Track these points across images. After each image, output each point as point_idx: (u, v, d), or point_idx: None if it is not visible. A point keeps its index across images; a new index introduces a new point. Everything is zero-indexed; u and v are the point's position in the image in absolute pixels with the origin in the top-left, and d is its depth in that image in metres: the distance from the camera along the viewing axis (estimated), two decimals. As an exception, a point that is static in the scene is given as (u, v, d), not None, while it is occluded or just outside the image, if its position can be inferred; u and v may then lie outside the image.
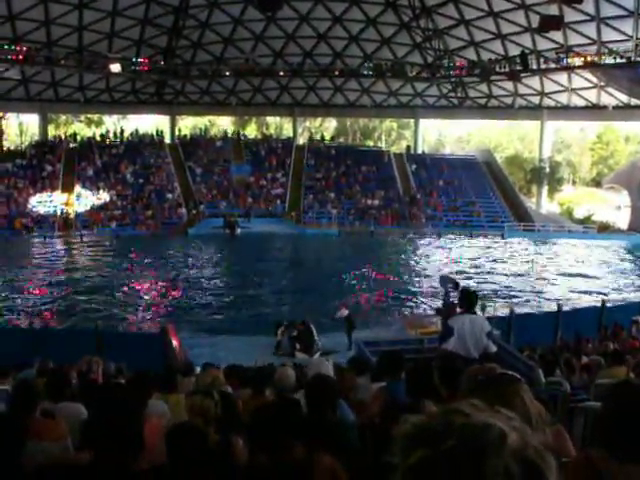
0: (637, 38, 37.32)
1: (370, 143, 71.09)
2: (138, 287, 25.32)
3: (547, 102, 48.96)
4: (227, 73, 46.77)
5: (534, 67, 41.39)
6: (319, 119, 71.56)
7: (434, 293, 22.70)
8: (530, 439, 1.03)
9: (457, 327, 6.54)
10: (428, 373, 3.84)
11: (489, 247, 38.14)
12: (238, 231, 39.67)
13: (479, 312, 15.08)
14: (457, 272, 26.98)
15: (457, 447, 0.97)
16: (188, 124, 67.69)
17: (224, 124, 72.03)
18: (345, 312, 17.59)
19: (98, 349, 11.51)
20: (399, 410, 3.79)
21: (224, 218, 41.01)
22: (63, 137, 51.50)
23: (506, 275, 28.93)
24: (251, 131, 67.22)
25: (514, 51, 42.18)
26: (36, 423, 4.11)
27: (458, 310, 7.64)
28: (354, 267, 28.88)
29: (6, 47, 38.51)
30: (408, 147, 56.95)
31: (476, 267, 30.78)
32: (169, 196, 44.80)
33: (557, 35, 39.00)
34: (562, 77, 45.12)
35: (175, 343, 14.20)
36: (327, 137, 59.26)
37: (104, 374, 8.13)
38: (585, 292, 25.06)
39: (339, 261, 32.32)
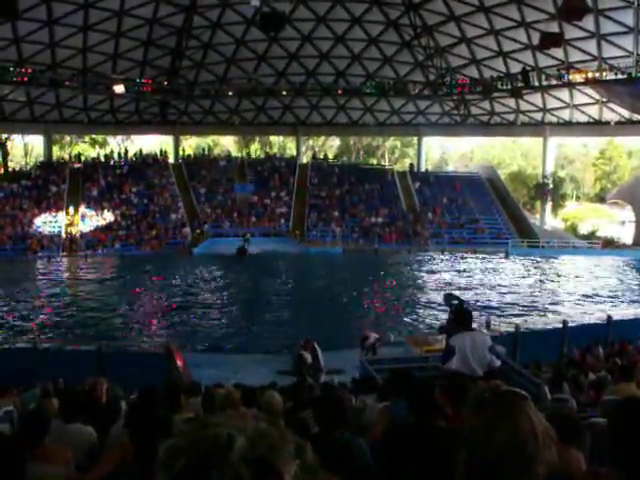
0: (637, 54, 37.47)
1: (373, 161, 71.29)
2: (142, 307, 25.34)
3: (549, 118, 49.08)
4: (230, 93, 47.01)
5: (536, 84, 41.55)
6: (322, 138, 71.91)
7: (438, 310, 22.64)
8: (262, 437, 1.09)
9: (458, 346, 6.46)
10: (430, 391, 3.81)
11: (493, 264, 38.05)
12: (248, 253, 39.17)
13: (484, 329, 15.06)
14: (461, 289, 26.99)
15: (187, 465, 1.05)
16: (192, 144, 68.15)
17: (227, 144, 72.49)
18: (375, 336, 16.92)
19: (101, 369, 11.49)
20: (403, 429, 3.76)
21: (238, 246, 39.48)
22: (68, 158, 51.84)
23: (511, 292, 28.83)
24: (254, 150, 67.52)
25: (515, 68, 42.40)
26: (46, 448, 4.14)
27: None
28: (359, 286, 28.84)
29: (11, 69, 38.84)
30: (411, 165, 57.08)
31: (480, 284, 30.70)
32: (173, 216, 44.90)
33: (558, 52, 39.20)
34: (564, 93, 45.26)
35: (179, 363, 14.16)
36: (330, 156, 59.40)
37: (108, 395, 8.08)
38: (590, 308, 24.95)
39: (344, 280, 32.27)
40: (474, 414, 1.72)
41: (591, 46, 39.46)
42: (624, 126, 46.41)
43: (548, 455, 1.60)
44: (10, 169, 51.72)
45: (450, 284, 29.90)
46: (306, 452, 1.14)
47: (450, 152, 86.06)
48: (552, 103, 47.10)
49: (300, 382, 10.42)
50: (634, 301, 27.11)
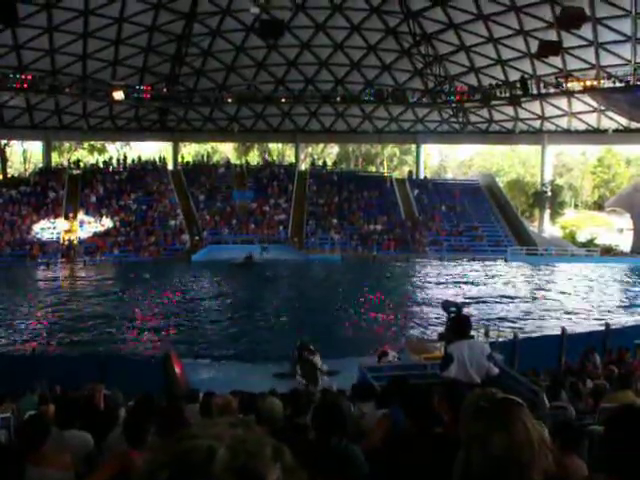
0: (635, 62, 37.62)
1: (372, 169, 71.39)
2: (141, 313, 25.29)
3: (548, 126, 49.18)
4: (229, 100, 47.08)
5: (534, 92, 41.65)
6: (321, 145, 71.98)
7: (437, 318, 22.62)
8: (240, 443, 1.10)
9: (456, 354, 6.43)
10: (427, 398, 3.81)
11: (492, 271, 38.05)
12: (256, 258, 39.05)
13: (483, 337, 15.05)
14: (460, 296, 26.98)
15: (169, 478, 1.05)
16: (191, 151, 68.25)
17: (226, 151, 72.56)
18: (394, 354, 16.54)
19: (102, 376, 11.46)
20: (402, 436, 3.77)
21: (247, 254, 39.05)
22: (66, 164, 51.87)
23: (509, 299, 28.81)
24: (253, 157, 67.60)
25: (514, 76, 42.53)
26: (45, 453, 4.15)
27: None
28: (358, 293, 28.82)
29: (11, 76, 38.89)
30: (410, 172, 57.19)
31: (479, 291, 30.70)
32: (172, 223, 44.86)
33: (556, 60, 39.33)
34: (562, 101, 45.37)
35: (178, 369, 14.14)
36: (329, 163, 59.48)
37: (107, 402, 8.07)
38: (589, 316, 24.95)
39: (343, 287, 32.24)
40: (471, 422, 1.73)
41: (589, 54, 39.60)
42: (622, 134, 46.56)
43: (544, 462, 1.62)
44: (9, 175, 51.79)
45: (448, 291, 29.89)
46: (284, 453, 1.15)
47: (449, 160, 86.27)
48: (550, 111, 47.20)
49: (307, 387, 10.35)
50: (632, 308, 27.10)
